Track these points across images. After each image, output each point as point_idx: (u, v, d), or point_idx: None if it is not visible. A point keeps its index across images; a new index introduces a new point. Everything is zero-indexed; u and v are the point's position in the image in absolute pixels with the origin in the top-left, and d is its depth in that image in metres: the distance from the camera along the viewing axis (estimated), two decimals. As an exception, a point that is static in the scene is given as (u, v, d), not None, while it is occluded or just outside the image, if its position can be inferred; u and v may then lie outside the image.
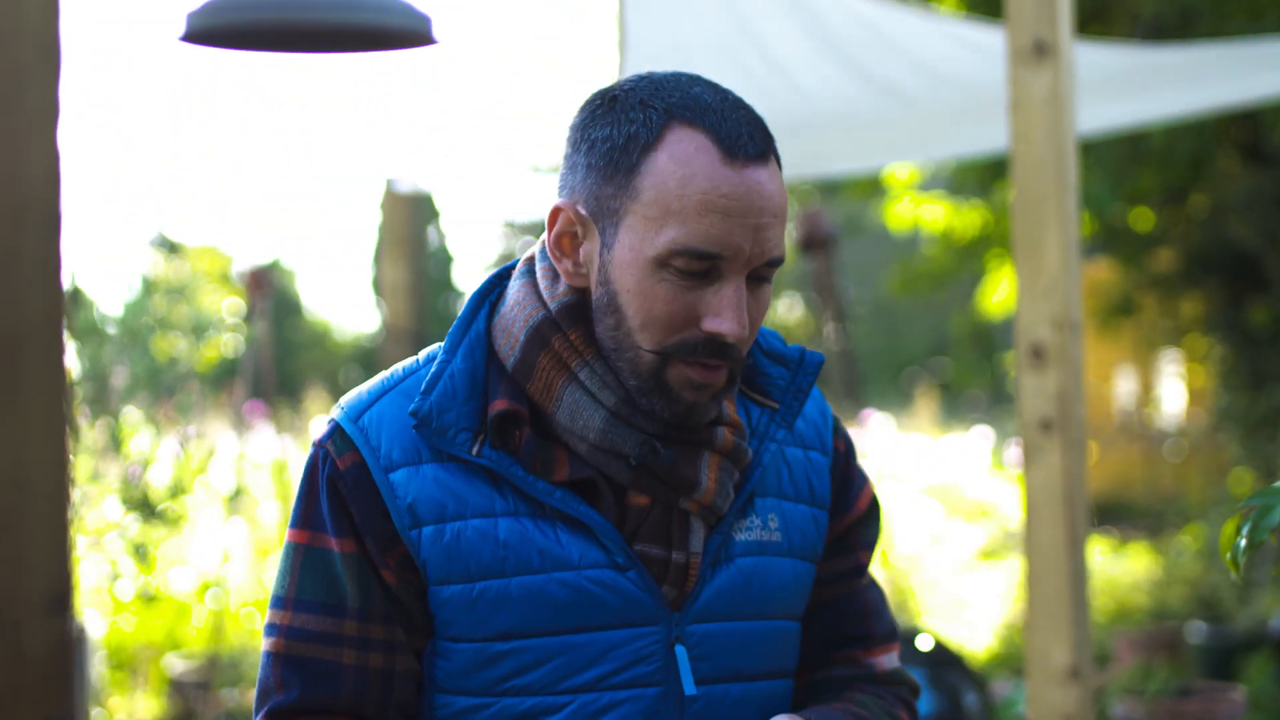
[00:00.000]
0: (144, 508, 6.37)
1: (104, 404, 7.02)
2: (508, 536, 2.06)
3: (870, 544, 2.38)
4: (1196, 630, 8.57)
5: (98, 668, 8.72)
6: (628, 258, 2.02)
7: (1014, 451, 16.39)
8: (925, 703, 5.44)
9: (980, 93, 5.69)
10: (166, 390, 8.29)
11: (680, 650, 2.11)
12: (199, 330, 11.03)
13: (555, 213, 2.08)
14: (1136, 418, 17.08)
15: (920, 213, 13.21)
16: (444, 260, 35.97)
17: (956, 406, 24.64)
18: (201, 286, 13.70)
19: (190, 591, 9.40)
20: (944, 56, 5.71)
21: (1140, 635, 8.85)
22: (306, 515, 2.12)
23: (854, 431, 15.71)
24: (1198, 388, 15.91)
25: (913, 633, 5.89)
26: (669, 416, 2.07)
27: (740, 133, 2.01)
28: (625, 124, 2.03)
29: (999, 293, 13.95)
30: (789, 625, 2.24)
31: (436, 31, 2.06)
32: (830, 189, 13.78)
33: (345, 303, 55.89)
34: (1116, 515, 14.40)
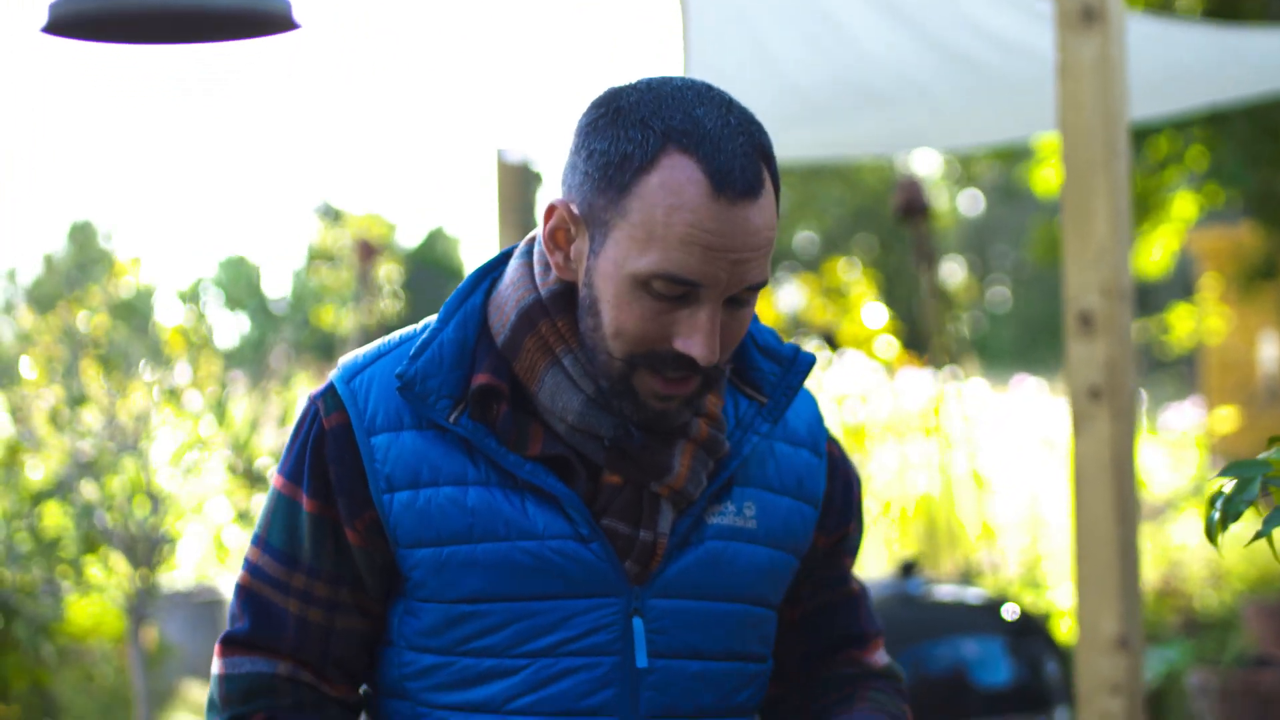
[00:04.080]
0: (248, 474, 6.50)
1: (262, 373, 7.14)
2: (476, 504, 2.15)
3: (856, 547, 2.47)
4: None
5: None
6: (610, 270, 2.08)
7: (1168, 416, 16.17)
8: (1005, 672, 5.42)
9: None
10: (319, 357, 8.35)
11: (638, 623, 2.17)
12: (350, 299, 11.17)
13: (551, 209, 2.14)
14: (1281, 381, 16.76)
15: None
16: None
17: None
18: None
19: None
20: (1012, 24, 5.66)
21: (1271, 602, 8.72)
22: (288, 465, 2.23)
23: (1002, 398, 15.60)
24: (1346, 351, 15.61)
25: (999, 602, 5.87)
26: (636, 421, 2.15)
27: (733, 166, 2.04)
28: (624, 141, 2.07)
29: (1155, 253, 13.72)
30: (757, 611, 2.29)
31: (297, 16, 2.10)
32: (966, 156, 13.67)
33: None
34: (1265, 481, 14.07)
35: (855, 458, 10.42)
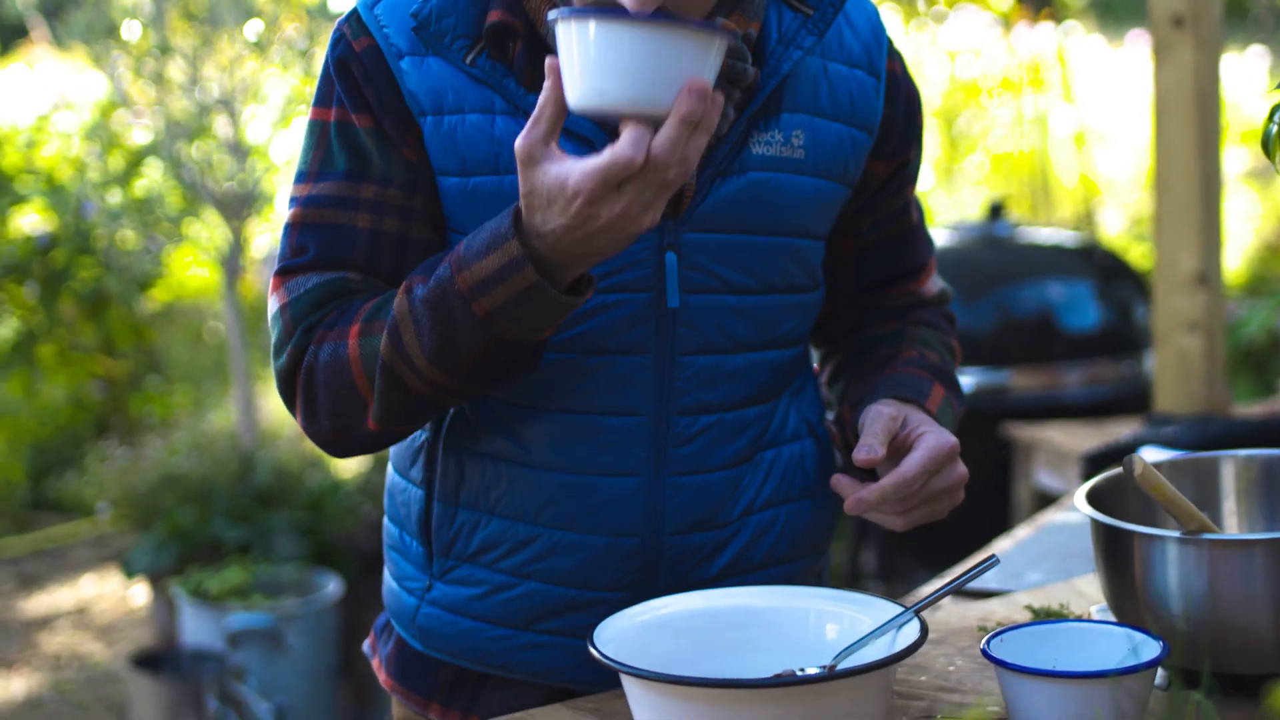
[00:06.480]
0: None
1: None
2: (503, 134, 2.07)
3: (917, 172, 2.38)
4: None
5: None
6: None
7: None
8: (1093, 315, 5.36)
9: None
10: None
11: (670, 258, 2.10)
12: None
13: None
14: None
15: None
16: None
17: (1240, 25, 23.72)
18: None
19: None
20: None
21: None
22: (328, 94, 2.13)
23: (1120, 53, 15.26)
24: None
25: (1089, 246, 5.79)
26: None
27: None
28: None
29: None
30: (801, 243, 2.21)
31: None
32: None
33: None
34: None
35: (968, 113, 10.29)
